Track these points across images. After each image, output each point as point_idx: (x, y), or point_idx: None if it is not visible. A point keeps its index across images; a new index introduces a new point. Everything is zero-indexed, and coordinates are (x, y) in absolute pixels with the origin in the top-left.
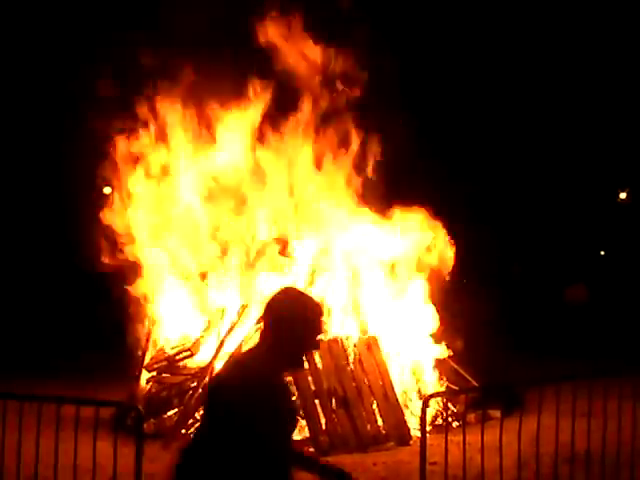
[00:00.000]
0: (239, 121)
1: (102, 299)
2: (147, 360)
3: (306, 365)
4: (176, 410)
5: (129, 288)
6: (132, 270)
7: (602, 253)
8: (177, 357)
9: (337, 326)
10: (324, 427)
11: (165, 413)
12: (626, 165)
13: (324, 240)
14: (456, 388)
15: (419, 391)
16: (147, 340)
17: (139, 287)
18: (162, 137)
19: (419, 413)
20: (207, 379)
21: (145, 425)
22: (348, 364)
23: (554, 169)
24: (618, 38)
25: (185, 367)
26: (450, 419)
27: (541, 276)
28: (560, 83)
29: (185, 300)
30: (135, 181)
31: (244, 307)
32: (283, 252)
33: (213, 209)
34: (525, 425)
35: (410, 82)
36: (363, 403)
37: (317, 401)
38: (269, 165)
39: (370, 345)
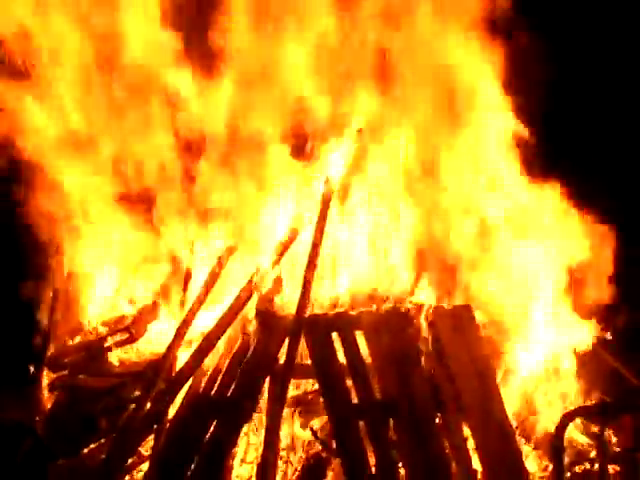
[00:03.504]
0: None
1: None
2: (51, 350)
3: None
4: (102, 440)
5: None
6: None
7: None
8: (105, 343)
9: (399, 288)
10: None
11: (86, 445)
12: None
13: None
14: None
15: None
16: (52, 316)
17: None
18: None
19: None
20: (163, 380)
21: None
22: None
23: None
24: None
25: (121, 361)
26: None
27: None
28: None
29: (121, 244)
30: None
31: (229, 251)
32: (300, 154)
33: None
34: None
35: None
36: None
37: None
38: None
39: (460, 320)
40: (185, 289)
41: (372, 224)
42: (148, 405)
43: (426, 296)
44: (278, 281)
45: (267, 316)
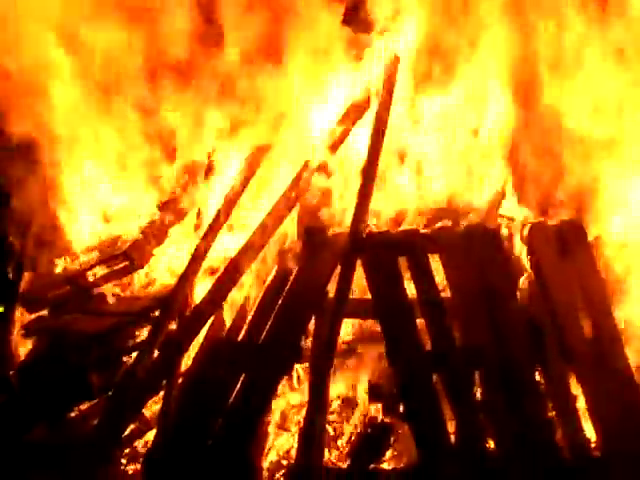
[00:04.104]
0: None
1: None
2: (27, 283)
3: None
4: (95, 400)
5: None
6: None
7: None
8: (97, 273)
9: (486, 198)
10: None
11: (72, 407)
12: None
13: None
14: None
15: None
16: (26, 238)
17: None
18: None
19: None
20: (174, 321)
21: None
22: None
23: None
24: None
25: (118, 297)
26: None
27: None
28: None
29: (117, 142)
30: None
31: (262, 150)
32: (353, 21)
33: None
34: None
35: None
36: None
37: None
38: None
39: (567, 240)
40: (203, 201)
41: (451, 115)
42: (155, 354)
43: (522, 208)
44: (327, 189)
45: (313, 235)
